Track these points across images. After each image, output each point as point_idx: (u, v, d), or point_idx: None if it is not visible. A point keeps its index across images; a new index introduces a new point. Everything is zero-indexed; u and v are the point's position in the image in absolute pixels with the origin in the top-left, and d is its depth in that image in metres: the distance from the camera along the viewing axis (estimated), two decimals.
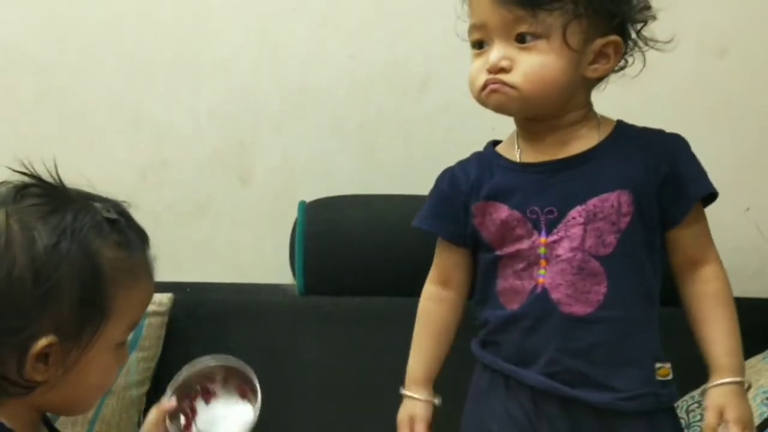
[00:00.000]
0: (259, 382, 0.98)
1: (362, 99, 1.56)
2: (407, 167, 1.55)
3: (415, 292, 1.42)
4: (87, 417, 1.34)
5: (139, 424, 1.41)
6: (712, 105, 1.51)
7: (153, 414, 0.94)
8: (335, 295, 1.49)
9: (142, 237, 0.80)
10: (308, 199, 1.51)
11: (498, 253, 1.02)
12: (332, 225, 1.47)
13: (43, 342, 0.71)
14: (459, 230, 1.06)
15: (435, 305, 1.11)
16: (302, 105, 1.56)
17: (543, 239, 0.98)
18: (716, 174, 1.01)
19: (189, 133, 1.59)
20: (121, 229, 0.77)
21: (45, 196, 0.75)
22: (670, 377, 1.00)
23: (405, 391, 1.11)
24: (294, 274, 1.51)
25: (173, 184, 1.60)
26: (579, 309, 0.97)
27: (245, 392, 0.98)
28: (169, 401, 0.94)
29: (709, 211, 1.03)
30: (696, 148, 1.02)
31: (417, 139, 1.56)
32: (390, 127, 1.56)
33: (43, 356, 0.72)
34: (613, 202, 0.97)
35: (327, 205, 1.50)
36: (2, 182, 0.76)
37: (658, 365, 0.99)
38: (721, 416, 0.95)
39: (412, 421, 1.09)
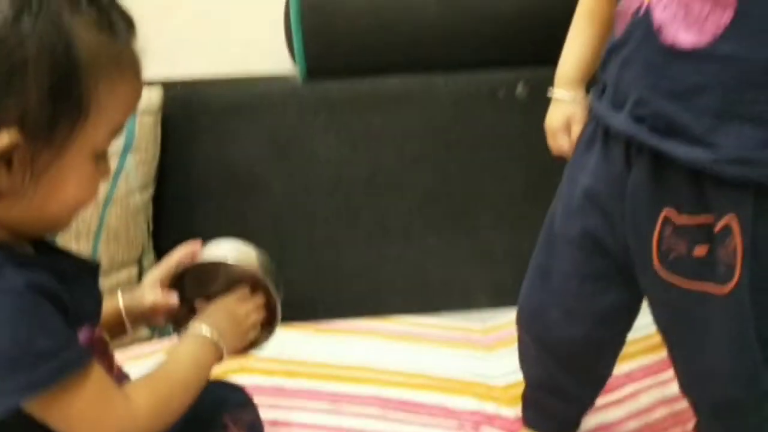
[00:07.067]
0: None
1: None
2: None
3: (435, 65, 1.29)
4: (90, 228, 1.28)
5: (149, 232, 1.36)
6: None
7: (149, 299, 0.83)
8: (342, 77, 1.38)
9: (127, 22, 0.68)
10: None
11: None
12: None
13: (4, 138, 0.61)
14: None
15: (598, 4, 0.96)
16: None
17: None
18: None
19: None
20: (102, 7, 0.65)
21: None
22: None
23: (557, 91, 0.98)
24: (293, 59, 1.39)
25: None
26: (686, 39, 0.79)
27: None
28: (170, 298, 0.83)
29: None
30: None
31: None
32: None
33: (7, 158, 0.62)
34: None
35: None
36: None
37: None
38: None
39: (569, 123, 0.98)
